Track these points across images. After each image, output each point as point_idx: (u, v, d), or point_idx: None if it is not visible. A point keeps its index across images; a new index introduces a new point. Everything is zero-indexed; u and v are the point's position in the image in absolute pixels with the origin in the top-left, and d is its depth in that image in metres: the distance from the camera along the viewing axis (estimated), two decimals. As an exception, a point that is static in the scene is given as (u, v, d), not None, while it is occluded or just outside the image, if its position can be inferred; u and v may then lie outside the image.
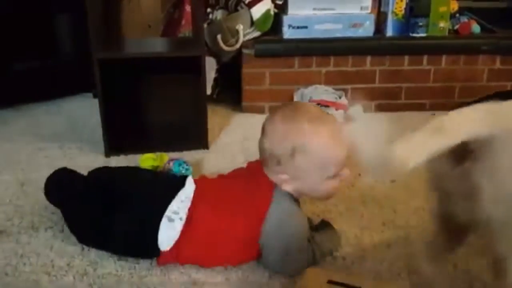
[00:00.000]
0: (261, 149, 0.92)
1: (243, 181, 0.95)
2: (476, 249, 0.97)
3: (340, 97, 1.83)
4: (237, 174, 1.01)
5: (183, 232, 0.89)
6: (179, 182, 0.96)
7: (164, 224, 0.89)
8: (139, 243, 0.92)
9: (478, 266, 0.92)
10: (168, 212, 0.90)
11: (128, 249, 0.94)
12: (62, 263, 0.93)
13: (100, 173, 1.11)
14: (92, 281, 0.88)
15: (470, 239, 1.00)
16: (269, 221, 0.87)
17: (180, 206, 0.91)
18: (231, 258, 0.91)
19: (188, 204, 0.91)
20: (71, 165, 1.38)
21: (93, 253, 0.96)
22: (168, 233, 0.89)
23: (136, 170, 1.18)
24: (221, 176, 1.03)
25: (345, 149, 0.86)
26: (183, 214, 0.90)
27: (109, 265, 0.92)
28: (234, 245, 0.89)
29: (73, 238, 1.01)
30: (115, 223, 0.92)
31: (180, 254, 0.90)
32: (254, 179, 0.93)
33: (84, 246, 0.98)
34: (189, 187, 0.94)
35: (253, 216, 0.88)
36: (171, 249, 0.89)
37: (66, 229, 1.05)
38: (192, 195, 0.93)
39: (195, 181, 0.96)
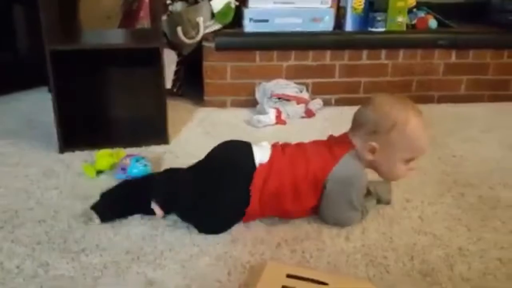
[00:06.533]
0: (360, 116, 1.04)
1: (323, 141, 1.10)
2: (433, 241, 1.00)
3: (301, 91, 1.83)
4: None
5: (270, 161, 1.02)
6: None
7: (255, 148, 1.05)
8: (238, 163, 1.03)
9: (434, 257, 0.94)
10: (256, 145, 1.06)
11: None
12: (11, 266, 0.89)
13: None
14: (43, 283, 0.84)
15: (430, 230, 1.03)
16: (340, 165, 1.00)
17: (263, 144, 1.08)
18: (301, 198, 1.02)
19: (267, 143, 1.08)
20: (24, 162, 1.34)
21: (45, 254, 0.92)
22: (261, 153, 1.03)
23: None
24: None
25: (427, 144, 1.01)
26: (267, 145, 1.07)
27: (61, 266, 0.89)
28: (306, 181, 1.01)
29: (24, 239, 0.97)
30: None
31: (265, 187, 1.00)
32: (335, 138, 1.08)
33: (35, 247, 0.94)
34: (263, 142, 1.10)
35: (329, 157, 1.01)
36: (260, 170, 1.00)
37: (16, 230, 1.01)
38: (269, 144, 1.08)
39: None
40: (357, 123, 1.04)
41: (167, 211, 1.05)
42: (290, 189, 1.01)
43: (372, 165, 1.04)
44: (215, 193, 1.00)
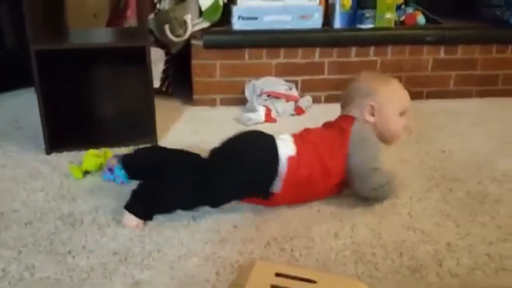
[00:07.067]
0: (349, 92, 1.19)
1: (324, 126, 1.20)
2: (421, 238, 1.00)
3: (290, 89, 1.83)
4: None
5: (297, 153, 1.07)
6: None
7: (279, 142, 1.08)
8: (266, 165, 1.06)
9: (423, 253, 0.94)
10: (277, 138, 1.10)
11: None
12: (-3, 269, 0.88)
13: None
14: (29, 286, 0.83)
15: (418, 226, 1.03)
16: (353, 135, 1.10)
17: (283, 137, 1.12)
18: (331, 175, 1.09)
19: (286, 134, 1.13)
20: (9, 164, 1.33)
21: (31, 257, 0.91)
22: (285, 147, 1.08)
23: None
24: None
25: (409, 98, 1.18)
26: (290, 138, 1.11)
27: (48, 268, 0.88)
28: (333, 161, 1.09)
29: (9, 242, 0.96)
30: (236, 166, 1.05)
31: (296, 173, 1.05)
32: (336, 119, 1.19)
33: (21, 249, 0.93)
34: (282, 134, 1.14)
35: (340, 134, 1.11)
36: (291, 163, 1.05)
37: (2, 232, 0.99)
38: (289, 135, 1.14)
39: None
40: (348, 99, 1.18)
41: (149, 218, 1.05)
42: (320, 172, 1.08)
43: (375, 129, 1.14)
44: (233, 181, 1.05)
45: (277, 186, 1.06)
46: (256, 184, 1.06)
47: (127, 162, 1.18)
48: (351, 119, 1.14)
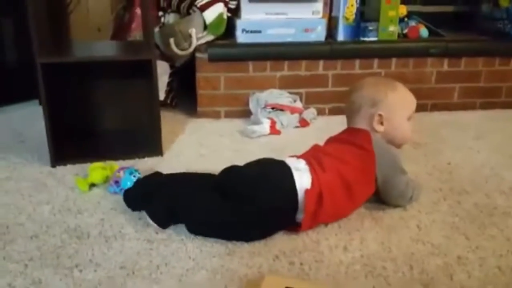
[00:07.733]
0: (354, 103, 1.15)
1: (337, 139, 1.17)
2: (431, 250, 0.99)
3: (295, 101, 1.83)
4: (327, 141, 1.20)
5: (316, 185, 1.00)
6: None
7: (296, 174, 1.01)
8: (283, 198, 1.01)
9: (434, 267, 0.93)
10: (293, 168, 1.03)
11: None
12: (3, 283, 0.87)
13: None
14: (36, 301, 0.82)
15: (428, 239, 1.02)
16: (376, 150, 1.09)
17: (294, 162, 1.06)
18: (362, 198, 1.11)
19: (302, 160, 1.06)
20: (15, 177, 1.32)
21: (37, 271, 0.90)
22: (301, 178, 1.01)
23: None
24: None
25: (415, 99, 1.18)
26: (306, 167, 1.04)
27: (54, 283, 0.86)
28: (361, 177, 1.07)
29: (15, 256, 0.95)
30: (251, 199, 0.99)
31: (319, 207, 1.00)
32: (349, 134, 1.15)
33: (27, 263, 0.92)
34: (291, 158, 1.10)
35: (367, 155, 1.08)
36: (309, 196, 0.99)
37: (8, 246, 0.98)
38: (299, 155, 1.10)
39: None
40: (354, 110, 1.16)
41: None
42: (348, 199, 1.05)
43: (385, 137, 1.14)
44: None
45: (302, 218, 1.02)
46: (277, 218, 1.02)
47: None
48: (368, 136, 1.11)
